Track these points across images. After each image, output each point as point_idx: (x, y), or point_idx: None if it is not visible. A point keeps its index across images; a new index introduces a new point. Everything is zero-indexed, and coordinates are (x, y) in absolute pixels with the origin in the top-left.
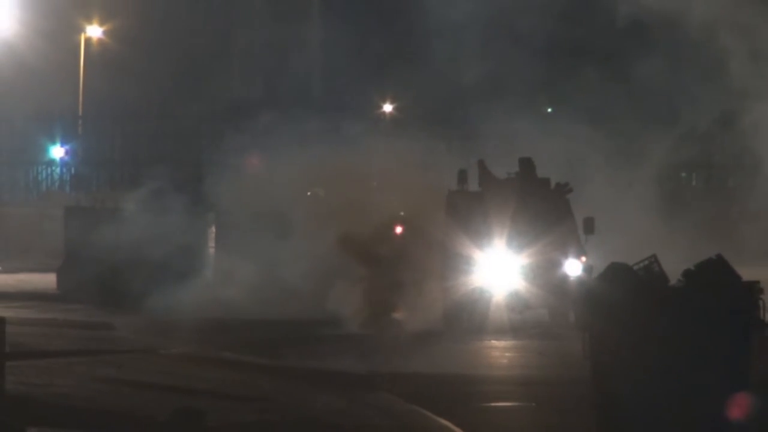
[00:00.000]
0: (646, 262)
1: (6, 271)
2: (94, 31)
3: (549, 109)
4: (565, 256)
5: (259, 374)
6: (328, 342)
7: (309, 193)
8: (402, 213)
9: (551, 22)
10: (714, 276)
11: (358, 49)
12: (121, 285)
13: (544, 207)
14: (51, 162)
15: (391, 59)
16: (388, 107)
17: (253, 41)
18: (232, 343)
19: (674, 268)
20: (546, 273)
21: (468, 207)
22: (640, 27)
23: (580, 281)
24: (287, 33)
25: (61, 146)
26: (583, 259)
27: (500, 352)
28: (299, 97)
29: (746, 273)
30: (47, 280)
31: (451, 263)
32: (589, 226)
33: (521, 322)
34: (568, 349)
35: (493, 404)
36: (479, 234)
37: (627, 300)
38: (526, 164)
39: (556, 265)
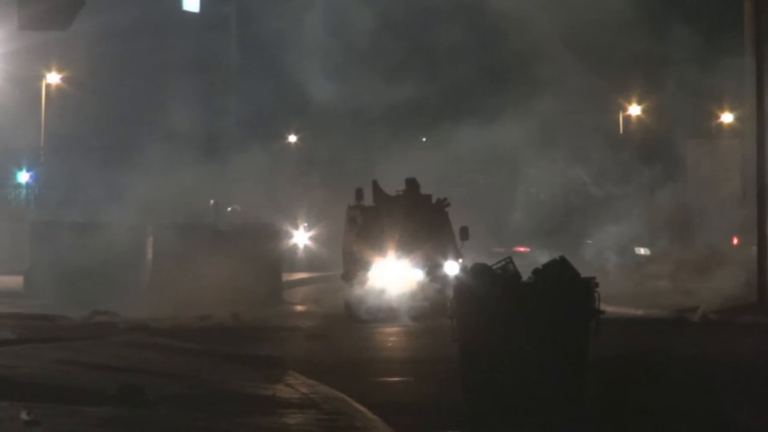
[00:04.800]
0: (503, 263)
1: None
2: (53, 77)
3: (423, 139)
4: (445, 258)
5: (188, 356)
6: (248, 331)
7: (229, 209)
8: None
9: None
10: (558, 273)
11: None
12: (79, 286)
13: (427, 218)
14: (18, 185)
15: (293, 97)
16: (292, 138)
17: (177, 83)
18: (167, 332)
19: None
20: (429, 272)
21: (364, 218)
22: None
23: (456, 279)
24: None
25: (27, 172)
26: (460, 260)
27: (388, 336)
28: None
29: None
30: (15, 282)
31: (351, 264)
32: (465, 234)
33: (407, 312)
34: (442, 334)
35: (380, 379)
36: (374, 241)
37: (485, 292)
38: (411, 183)
39: (437, 265)
